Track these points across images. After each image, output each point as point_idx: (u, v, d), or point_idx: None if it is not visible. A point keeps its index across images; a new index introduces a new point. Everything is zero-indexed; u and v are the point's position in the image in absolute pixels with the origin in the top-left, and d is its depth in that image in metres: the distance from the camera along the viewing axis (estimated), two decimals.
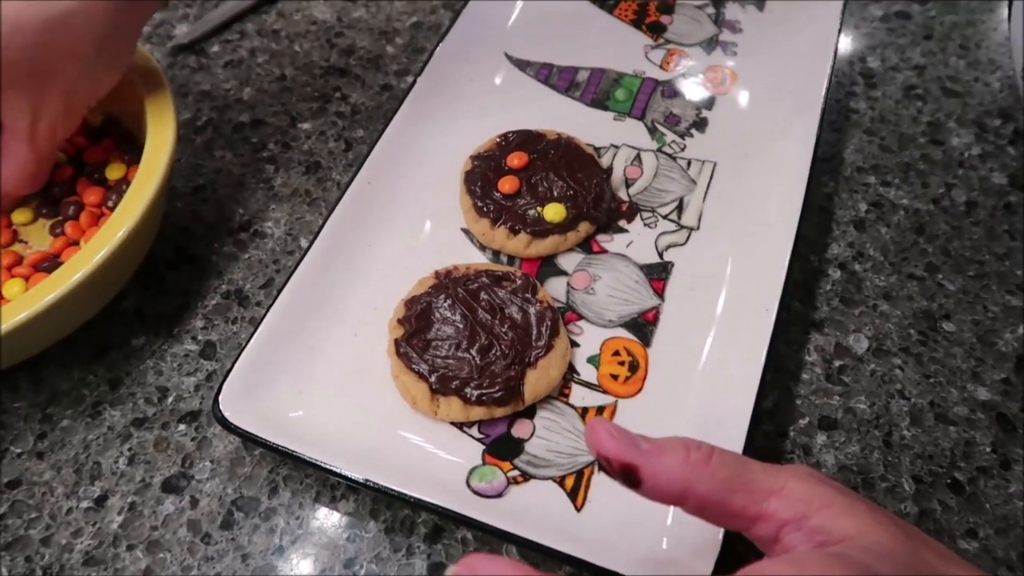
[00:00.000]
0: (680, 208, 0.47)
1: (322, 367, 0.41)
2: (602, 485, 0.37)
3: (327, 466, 0.36)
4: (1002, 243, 0.47)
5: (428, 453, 0.38)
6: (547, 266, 0.45)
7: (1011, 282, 0.45)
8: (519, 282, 0.42)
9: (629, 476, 0.27)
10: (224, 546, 0.38)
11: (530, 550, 0.35)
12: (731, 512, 0.27)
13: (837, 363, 0.43)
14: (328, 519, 0.38)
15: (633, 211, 0.47)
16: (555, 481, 0.37)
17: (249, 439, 0.37)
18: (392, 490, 0.35)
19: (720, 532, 0.33)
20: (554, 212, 0.44)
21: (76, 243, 0.45)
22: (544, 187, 0.46)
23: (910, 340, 0.43)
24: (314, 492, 0.39)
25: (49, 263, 0.44)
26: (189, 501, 0.39)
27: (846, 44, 0.58)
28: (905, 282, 0.46)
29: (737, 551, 0.36)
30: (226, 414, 0.37)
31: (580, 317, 0.43)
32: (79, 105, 0.42)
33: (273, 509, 0.39)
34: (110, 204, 0.46)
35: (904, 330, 0.44)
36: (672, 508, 0.35)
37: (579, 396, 0.40)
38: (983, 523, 0.37)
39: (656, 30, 0.57)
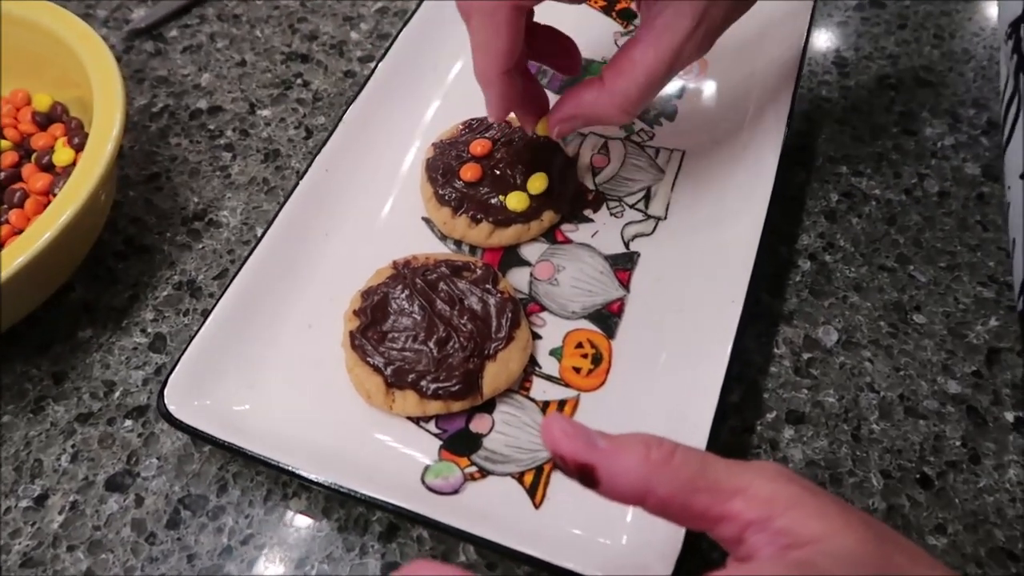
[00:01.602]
0: (647, 197, 0.46)
1: (274, 360, 0.40)
2: (562, 482, 0.36)
3: (278, 463, 0.35)
4: (974, 234, 0.46)
5: (383, 449, 0.37)
6: (510, 256, 0.44)
7: (983, 273, 0.44)
8: (479, 272, 0.40)
9: (586, 476, 0.26)
10: (169, 546, 0.36)
11: (487, 549, 0.33)
12: (694, 513, 0.26)
13: (806, 356, 0.42)
14: (279, 518, 0.37)
15: (599, 200, 0.46)
16: (514, 477, 0.36)
17: (196, 435, 0.36)
18: (345, 488, 0.34)
19: (682, 530, 0.32)
20: (517, 201, 0.43)
21: (22, 232, 0.44)
22: (507, 175, 0.44)
23: (880, 332, 0.42)
24: (265, 490, 0.38)
25: None
26: (134, 500, 0.38)
27: (819, 33, 0.57)
28: (876, 273, 0.45)
29: (700, 548, 0.35)
30: (171, 409, 0.36)
31: (543, 308, 0.42)
32: (721, 28, 0.37)
33: (222, 507, 0.37)
34: (57, 191, 0.44)
35: (874, 322, 0.43)
36: (628, 508, 0.34)
37: (540, 390, 0.39)
38: (952, 519, 0.36)
39: (627, 16, 0.55)
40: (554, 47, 0.42)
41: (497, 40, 0.36)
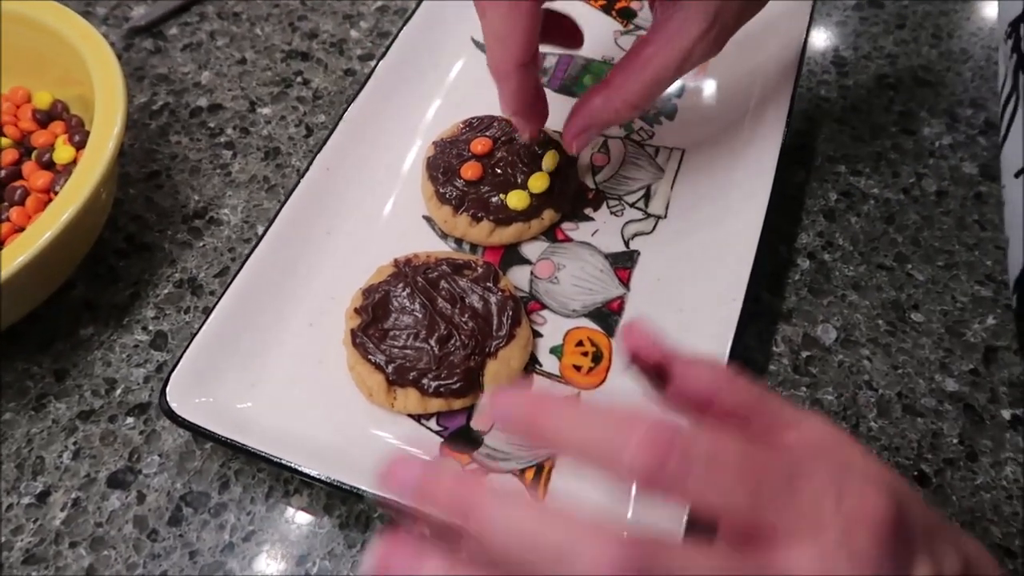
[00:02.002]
0: (647, 196, 0.46)
1: (276, 358, 0.40)
2: (562, 479, 0.36)
3: (279, 460, 0.35)
4: (972, 233, 0.46)
5: (384, 446, 0.37)
6: (510, 254, 0.44)
7: (980, 272, 0.45)
8: (480, 271, 0.41)
9: (660, 375, 0.26)
10: (171, 543, 0.36)
11: None
12: (746, 433, 0.25)
13: (805, 354, 0.42)
14: (281, 515, 0.37)
15: (599, 199, 0.46)
16: (515, 474, 0.36)
17: (198, 432, 0.36)
18: (346, 485, 0.34)
19: (682, 530, 0.32)
20: (517, 199, 0.43)
21: (23, 230, 0.44)
22: (508, 174, 0.44)
23: (878, 331, 0.43)
24: (266, 487, 0.38)
25: None
26: (136, 496, 0.38)
27: (818, 32, 0.57)
28: (874, 272, 0.45)
29: None
30: (174, 406, 0.36)
31: (543, 307, 0.42)
32: (733, 29, 0.38)
33: (223, 504, 0.37)
34: (58, 189, 0.44)
35: (872, 320, 0.43)
36: (631, 503, 0.34)
37: (541, 387, 0.39)
38: (949, 516, 0.37)
39: (626, 16, 0.55)
40: (555, 26, 0.42)
41: (516, 32, 0.36)
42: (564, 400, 0.24)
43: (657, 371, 0.26)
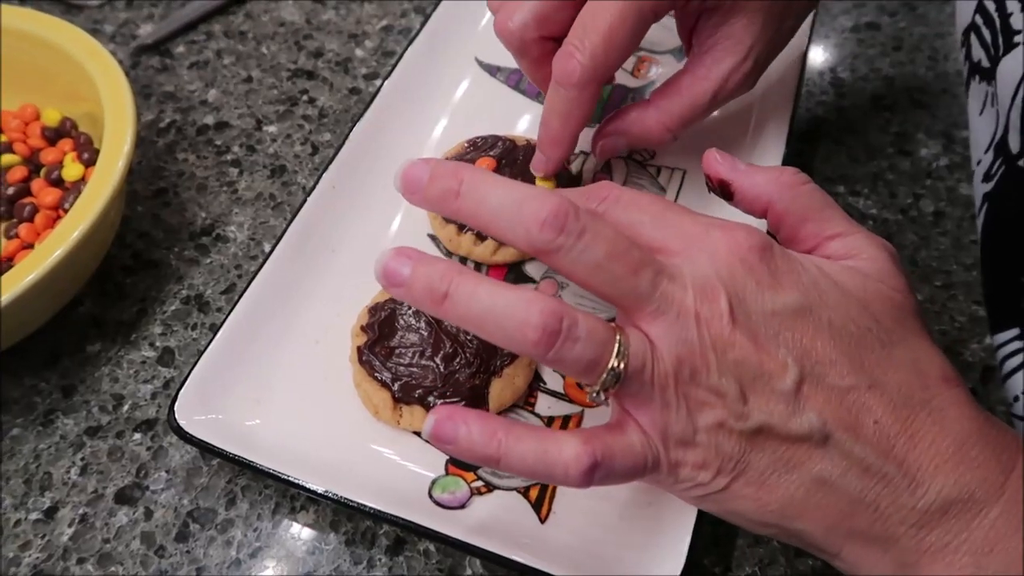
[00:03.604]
0: None
1: (283, 375, 0.40)
2: (566, 496, 0.36)
3: (286, 477, 0.35)
4: (969, 253, 0.47)
5: (390, 463, 0.38)
6: (514, 273, 0.44)
7: (978, 292, 0.45)
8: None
9: (724, 190, 0.32)
10: (179, 559, 0.37)
11: (494, 563, 0.34)
12: (796, 236, 0.31)
13: None
14: (287, 531, 0.38)
15: None
16: (519, 492, 0.37)
17: (205, 449, 0.36)
18: (352, 502, 0.35)
19: (686, 546, 0.33)
20: None
21: (31, 246, 0.44)
22: None
23: None
24: (273, 503, 0.38)
25: (1, 267, 0.42)
26: (143, 512, 0.38)
27: (816, 54, 0.58)
28: None
29: (703, 564, 0.36)
30: (182, 423, 0.36)
31: None
32: (767, 62, 0.42)
33: (230, 521, 0.38)
34: (67, 206, 0.45)
35: None
36: (631, 524, 0.35)
37: (545, 405, 0.40)
38: None
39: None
40: None
41: (580, 112, 0.39)
42: (475, 171, 0.29)
43: (723, 184, 0.32)
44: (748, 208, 0.32)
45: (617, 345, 0.27)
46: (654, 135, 0.41)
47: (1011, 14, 0.36)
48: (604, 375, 0.27)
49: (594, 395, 0.27)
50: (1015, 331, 0.38)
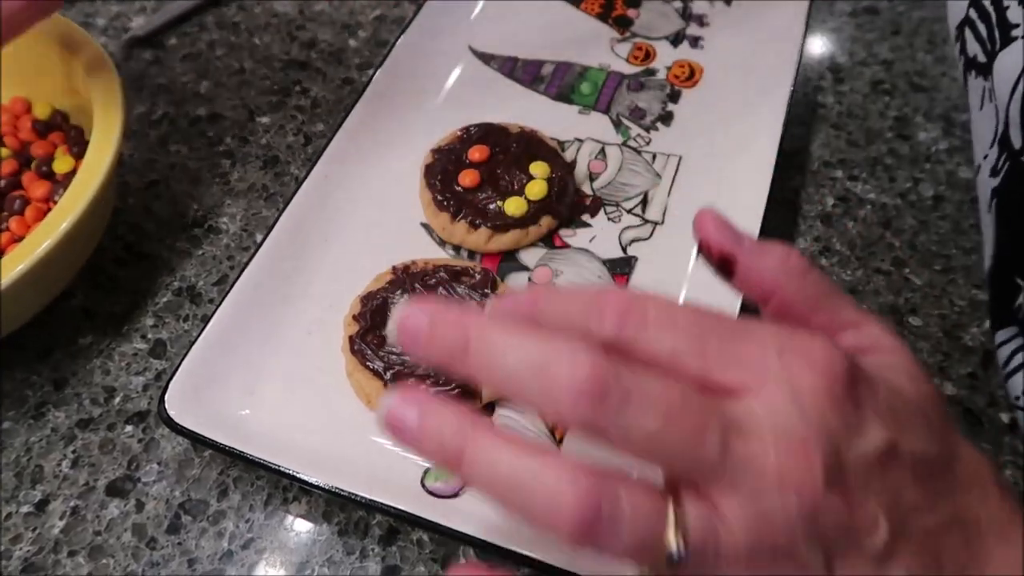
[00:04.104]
0: (644, 202, 0.46)
1: (274, 365, 0.40)
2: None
3: (278, 467, 0.35)
4: (969, 237, 0.46)
5: (383, 453, 0.37)
6: (508, 261, 0.44)
7: (978, 276, 0.45)
8: (478, 277, 0.41)
9: (725, 266, 0.27)
10: (170, 551, 0.36)
11: (487, 552, 0.33)
12: (805, 326, 0.26)
13: None
14: (280, 522, 0.37)
15: (597, 205, 0.46)
16: None
17: (197, 440, 0.36)
18: (345, 492, 0.34)
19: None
20: (515, 206, 0.43)
21: (22, 239, 0.44)
22: (505, 181, 0.45)
23: None
24: (265, 494, 0.38)
25: None
26: (135, 504, 0.38)
27: (814, 38, 0.58)
28: (871, 276, 0.45)
29: None
30: (172, 414, 0.36)
31: None
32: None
33: (222, 512, 0.37)
34: (57, 199, 0.44)
35: None
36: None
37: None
38: None
39: (623, 24, 0.56)
40: None
41: None
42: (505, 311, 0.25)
43: (724, 261, 0.27)
44: (748, 292, 0.27)
45: (673, 522, 0.21)
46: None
47: (1008, 7, 0.35)
48: (655, 559, 0.21)
49: None
50: (1014, 329, 0.38)
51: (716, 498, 0.22)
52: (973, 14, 0.38)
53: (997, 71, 0.36)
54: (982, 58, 0.37)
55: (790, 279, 0.26)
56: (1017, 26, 0.35)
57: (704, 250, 0.27)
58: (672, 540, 0.21)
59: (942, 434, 0.25)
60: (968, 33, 0.38)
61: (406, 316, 0.24)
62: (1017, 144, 0.35)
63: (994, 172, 0.37)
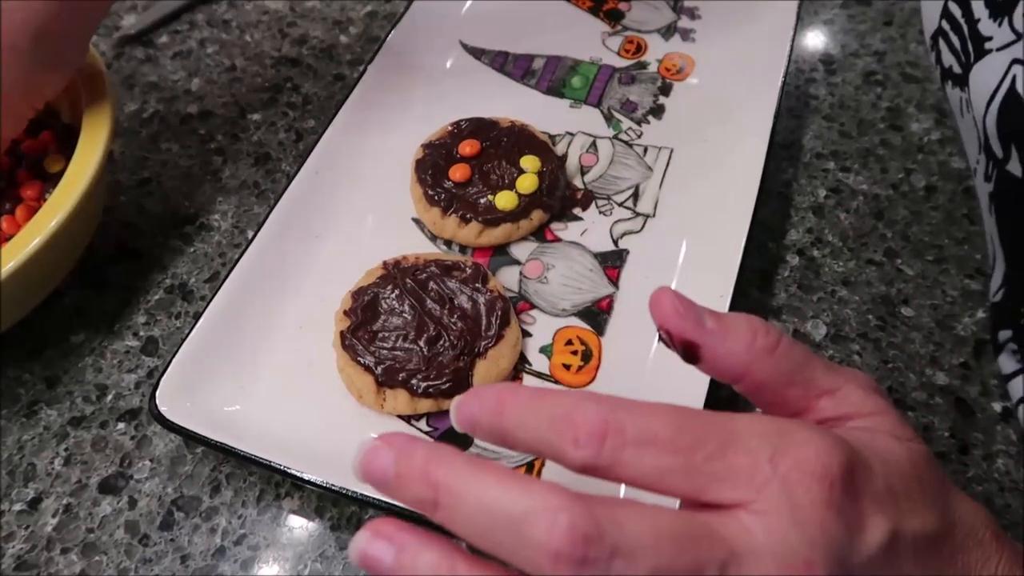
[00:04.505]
0: (636, 195, 0.46)
1: (266, 361, 0.40)
2: (554, 477, 0.36)
3: (270, 463, 0.35)
4: (961, 227, 0.46)
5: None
6: (499, 255, 0.44)
7: (970, 266, 0.45)
8: (469, 271, 0.41)
9: (689, 353, 0.25)
10: (163, 547, 0.36)
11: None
12: (780, 401, 0.26)
13: None
14: (272, 517, 0.37)
15: (588, 199, 0.46)
16: None
17: (188, 436, 0.36)
18: (337, 487, 0.34)
19: None
20: (506, 200, 0.43)
21: (12, 238, 0.44)
22: (496, 175, 0.45)
23: (868, 326, 0.43)
24: (258, 490, 0.38)
25: None
26: (127, 502, 0.38)
27: (805, 30, 0.57)
28: (864, 267, 0.45)
29: None
30: (163, 410, 0.36)
31: (533, 306, 0.42)
32: (17, 108, 0.39)
33: (215, 508, 0.37)
34: (48, 197, 0.44)
35: (862, 316, 0.43)
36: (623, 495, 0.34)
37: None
38: None
39: (614, 17, 0.56)
40: None
41: None
42: (505, 401, 0.23)
43: (688, 347, 0.25)
44: (717, 375, 0.26)
45: None
46: None
47: (979, 20, 0.35)
48: None
49: None
50: (1009, 332, 0.37)
51: None
52: (946, 25, 0.37)
53: (973, 83, 0.35)
54: (957, 69, 0.37)
55: (758, 360, 0.25)
56: (990, 39, 0.34)
57: (665, 338, 0.26)
58: None
59: (938, 498, 0.24)
60: (942, 44, 0.38)
61: (370, 454, 0.22)
62: (999, 154, 0.35)
63: (987, 178, 0.37)
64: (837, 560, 0.21)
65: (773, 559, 0.20)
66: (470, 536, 0.21)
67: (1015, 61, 0.33)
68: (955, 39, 0.37)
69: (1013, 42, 0.33)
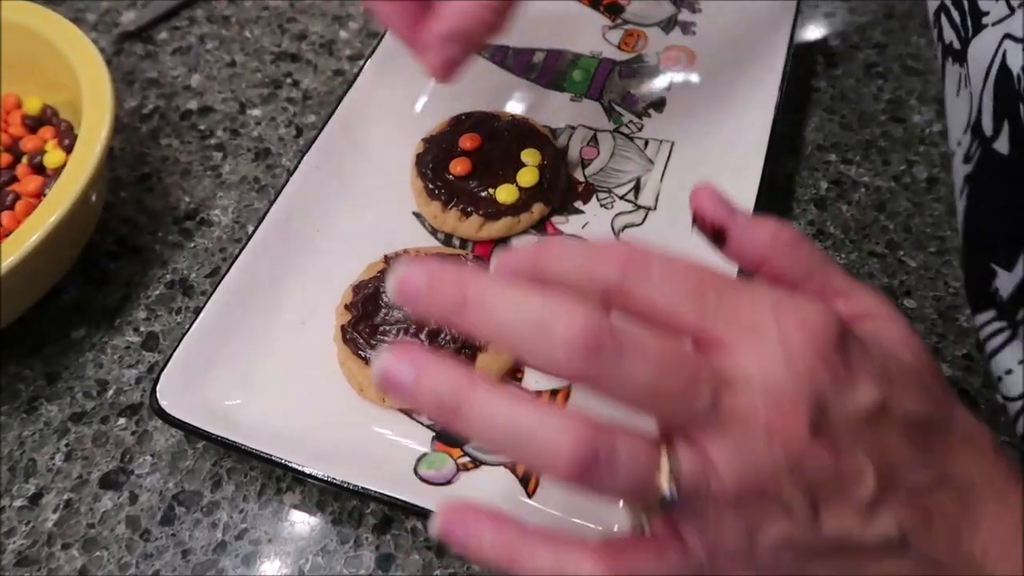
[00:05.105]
0: (637, 188, 0.46)
1: (267, 356, 0.40)
2: None
3: (271, 457, 0.35)
4: None
5: (376, 441, 0.37)
6: (501, 247, 0.44)
7: None
8: (470, 265, 0.40)
9: (718, 236, 0.27)
10: (164, 542, 0.36)
11: None
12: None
13: None
14: (273, 512, 0.37)
15: (589, 192, 0.46)
16: (507, 467, 0.36)
17: (189, 431, 0.36)
18: (338, 481, 0.34)
19: None
20: (506, 193, 0.43)
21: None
22: (497, 169, 0.44)
23: None
24: (259, 485, 0.38)
25: None
26: (128, 497, 0.38)
27: (806, 23, 0.57)
28: (866, 259, 0.45)
29: None
30: (164, 404, 0.36)
31: None
32: None
33: (216, 503, 0.37)
34: (47, 193, 0.44)
35: None
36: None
37: (533, 379, 0.39)
38: None
39: (614, 11, 0.56)
40: None
41: None
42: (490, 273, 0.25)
43: (717, 232, 0.27)
44: (739, 261, 0.28)
45: (666, 467, 0.22)
46: (481, 15, 0.36)
47: None
48: (649, 502, 0.23)
49: (638, 523, 0.24)
50: (992, 312, 0.38)
51: (707, 447, 0.22)
52: (948, 1, 0.38)
53: (971, 57, 0.36)
54: (957, 44, 0.37)
55: (780, 250, 0.27)
56: (987, 13, 0.35)
57: (698, 221, 0.28)
58: (665, 484, 0.22)
59: (937, 398, 0.25)
60: (944, 20, 0.38)
61: (405, 277, 0.24)
62: (988, 131, 0.35)
63: (967, 159, 0.37)
64: (820, 408, 0.23)
65: (762, 393, 0.22)
66: (494, 335, 0.23)
67: (1007, 36, 0.34)
68: (955, 14, 0.37)
69: (1007, 16, 0.34)
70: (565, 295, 0.22)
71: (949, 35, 0.38)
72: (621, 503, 0.26)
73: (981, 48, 0.35)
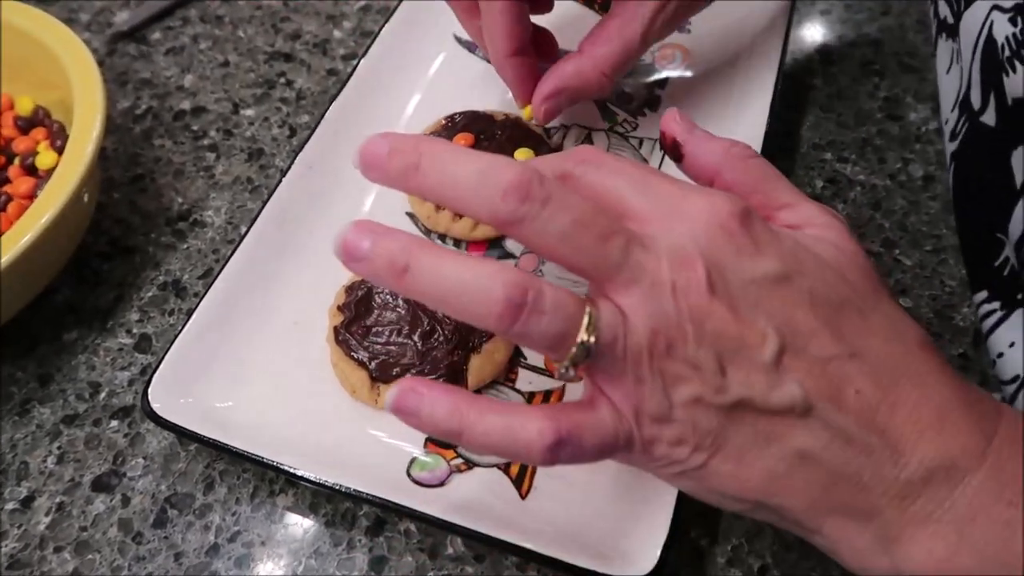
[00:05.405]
0: None
1: (259, 357, 0.39)
2: (548, 472, 0.36)
3: (264, 460, 0.35)
4: None
5: (368, 443, 0.37)
6: (494, 249, 0.44)
7: None
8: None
9: (675, 150, 0.31)
10: (157, 545, 0.36)
11: (474, 540, 0.33)
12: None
13: None
14: (266, 514, 0.37)
15: None
16: (500, 468, 0.36)
17: (181, 433, 0.36)
18: (331, 483, 0.34)
19: (668, 520, 0.32)
20: None
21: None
22: None
23: None
24: (251, 487, 0.38)
25: None
26: (120, 499, 0.37)
27: (802, 20, 0.57)
28: None
29: (688, 536, 0.35)
30: (156, 407, 0.36)
31: None
32: (688, 8, 0.42)
33: (208, 505, 0.37)
34: (39, 194, 0.44)
35: None
36: (614, 497, 0.34)
37: (526, 380, 0.39)
38: None
39: (608, 9, 0.55)
40: (536, 38, 0.45)
41: (498, 26, 0.41)
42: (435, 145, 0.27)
43: (675, 145, 0.31)
44: (695, 174, 0.31)
45: (587, 318, 0.25)
46: (593, 84, 0.41)
47: None
48: (573, 349, 0.25)
49: (563, 371, 0.26)
50: (984, 293, 0.38)
51: (620, 299, 0.26)
52: None
53: (963, 30, 0.36)
54: (951, 19, 0.38)
55: (730, 163, 0.30)
56: None
57: (661, 137, 0.32)
58: (585, 334, 0.25)
59: (855, 287, 0.27)
60: None
61: (367, 143, 0.27)
62: (977, 104, 0.36)
63: (953, 135, 0.38)
64: (717, 265, 0.26)
65: (667, 249, 0.26)
66: (441, 189, 0.26)
67: (994, 7, 0.35)
68: None
69: None
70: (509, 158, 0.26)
71: (944, 10, 0.39)
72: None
73: (973, 19, 0.35)
